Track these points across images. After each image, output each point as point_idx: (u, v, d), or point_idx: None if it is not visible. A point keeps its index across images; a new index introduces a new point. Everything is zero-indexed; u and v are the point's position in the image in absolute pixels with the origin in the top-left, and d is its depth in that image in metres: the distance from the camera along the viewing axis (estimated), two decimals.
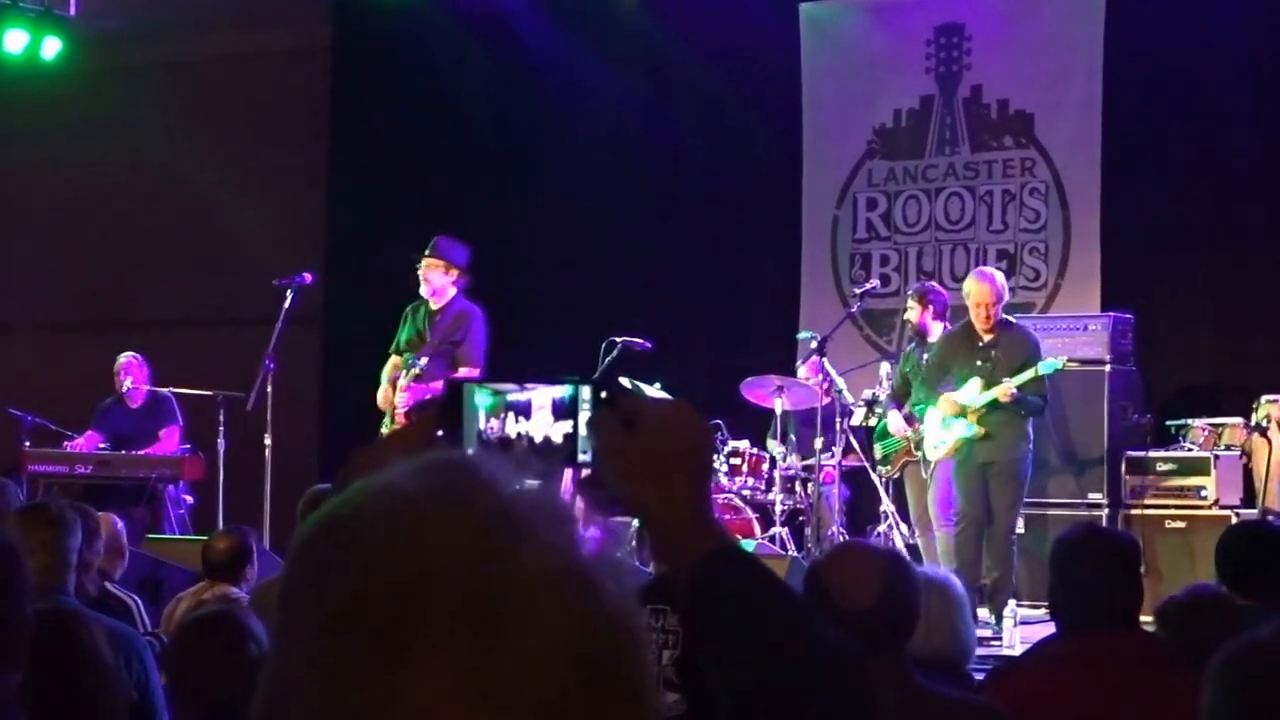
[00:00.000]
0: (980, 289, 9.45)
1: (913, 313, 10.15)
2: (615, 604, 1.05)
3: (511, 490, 1.08)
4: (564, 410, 1.76)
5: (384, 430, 9.83)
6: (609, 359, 10.16)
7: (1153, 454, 9.99)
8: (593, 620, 1.03)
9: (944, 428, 9.39)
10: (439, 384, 9.63)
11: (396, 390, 9.76)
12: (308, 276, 10.52)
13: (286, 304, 10.26)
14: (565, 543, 1.06)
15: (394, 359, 10.02)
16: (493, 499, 1.06)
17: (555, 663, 1.00)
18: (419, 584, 1.01)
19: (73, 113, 14.00)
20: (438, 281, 9.81)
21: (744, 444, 10.50)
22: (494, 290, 11.59)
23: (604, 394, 1.71)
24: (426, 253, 9.85)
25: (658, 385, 9.84)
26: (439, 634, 1.00)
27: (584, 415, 1.73)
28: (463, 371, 9.64)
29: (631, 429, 1.65)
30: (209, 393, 11.33)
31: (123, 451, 11.42)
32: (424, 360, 9.59)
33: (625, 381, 9.55)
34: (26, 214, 14.28)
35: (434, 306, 9.87)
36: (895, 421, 10.06)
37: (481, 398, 1.80)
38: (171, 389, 11.75)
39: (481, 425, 1.79)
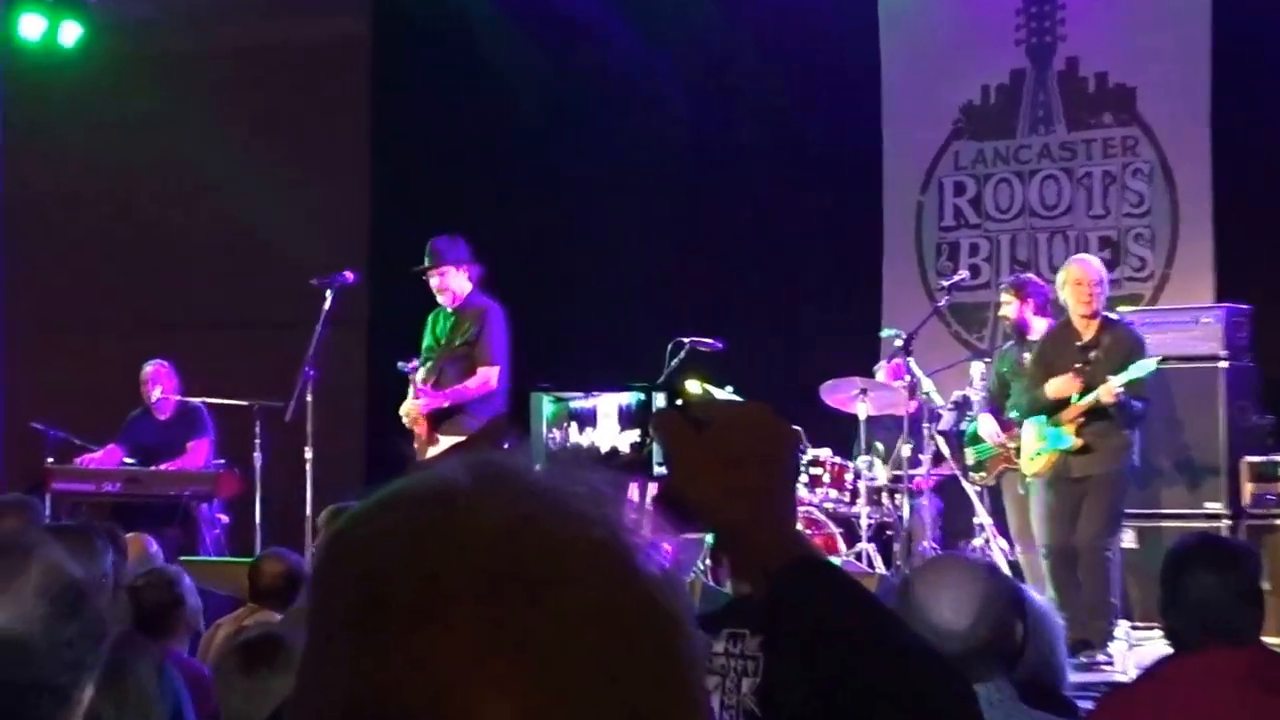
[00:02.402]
0: (1077, 269, 9.34)
1: (1009, 308, 10.04)
2: (654, 583, 1.07)
3: (551, 472, 1.12)
4: (632, 418, 1.76)
5: (416, 445, 9.90)
6: (675, 361, 10.14)
7: (1276, 458, 9.86)
8: (627, 592, 1.06)
9: (1040, 439, 9.30)
10: (457, 388, 9.70)
11: (410, 394, 9.87)
12: (349, 275, 10.50)
13: (326, 305, 10.26)
14: (604, 519, 1.08)
15: (419, 372, 10.08)
16: (529, 477, 1.10)
17: (585, 627, 1.03)
18: (443, 551, 1.04)
19: (95, 106, 14.01)
20: (457, 285, 9.92)
21: (825, 452, 10.43)
22: (549, 291, 11.61)
23: (674, 397, 1.70)
24: (429, 263, 9.93)
25: (729, 389, 9.81)
26: (465, 597, 1.02)
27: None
28: (480, 372, 9.69)
29: (704, 432, 1.65)
30: (244, 403, 11.29)
31: (150, 467, 11.41)
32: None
33: (696, 384, 9.57)
34: (47, 213, 14.27)
35: (451, 309, 9.94)
36: (986, 426, 9.98)
37: (546, 406, 1.80)
38: (204, 399, 11.73)
39: (545, 435, 1.79)
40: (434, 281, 10.01)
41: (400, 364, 9.97)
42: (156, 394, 11.71)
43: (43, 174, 14.21)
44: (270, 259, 13.24)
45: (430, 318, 10.17)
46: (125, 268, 14.16)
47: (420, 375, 9.96)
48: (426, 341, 10.09)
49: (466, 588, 1.03)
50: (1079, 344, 9.25)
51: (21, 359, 13.57)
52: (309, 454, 10.24)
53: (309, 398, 10.17)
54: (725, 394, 9.81)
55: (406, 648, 1.02)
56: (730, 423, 1.66)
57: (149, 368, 11.81)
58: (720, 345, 10.26)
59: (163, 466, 11.45)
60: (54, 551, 2.42)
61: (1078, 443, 9.14)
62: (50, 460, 11.51)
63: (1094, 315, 9.27)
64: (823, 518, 10.18)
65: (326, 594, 1.09)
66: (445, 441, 9.60)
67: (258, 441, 11.16)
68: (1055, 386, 9.20)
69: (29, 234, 14.02)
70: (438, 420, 9.84)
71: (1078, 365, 9.18)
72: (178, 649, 5.85)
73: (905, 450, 10.11)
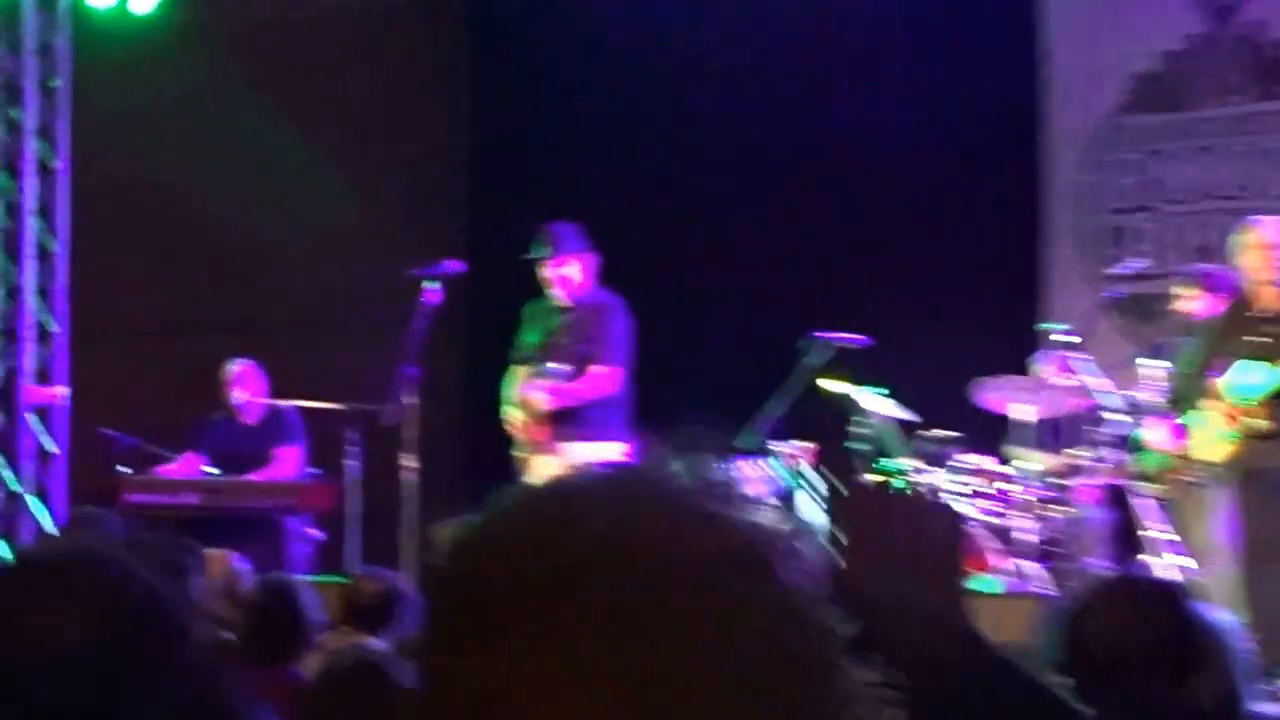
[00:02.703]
0: (1259, 231, 8.86)
1: (1190, 302, 9.72)
2: (782, 593, 1.12)
3: (697, 481, 1.18)
4: (785, 497, 1.91)
5: (516, 454, 9.83)
6: (809, 359, 10.07)
7: None
8: (743, 601, 1.10)
9: (1219, 424, 9.03)
10: (578, 387, 9.58)
11: (530, 389, 9.75)
12: (455, 264, 10.31)
13: (427, 299, 10.08)
14: (739, 528, 1.13)
15: (519, 371, 9.98)
16: (661, 487, 1.17)
17: (646, 638, 1.08)
18: (518, 563, 1.13)
19: (169, 82, 14.04)
20: (575, 277, 9.83)
21: (981, 459, 10.21)
22: (667, 282, 11.48)
23: (839, 488, 1.72)
24: (545, 252, 9.82)
25: (885, 392, 9.79)
26: (532, 612, 1.10)
27: (801, 499, 1.85)
28: (599, 371, 9.58)
29: (872, 528, 1.83)
30: (336, 406, 11.03)
31: (235, 476, 11.28)
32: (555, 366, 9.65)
33: (834, 384, 9.49)
34: (114, 199, 14.21)
35: (565, 304, 9.84)
36: (1153, 433, 9.71)
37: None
38: (292, 402, 11.56)
39: None
40: (548, 273, 9.90)
41: (548, 365, 9.82)
42: (242, 397, 11.63)
43: (103, 163, 14.22)
44: (360, 248, 13.22)
45: (530, 311, 10.05)
46: (201, 262, 14.18)
47: (523, 374, 9.87)
48: (531, 338, 9.95)
49: (533, 602, 1.10)
50: (1251, 314, 8.81)
51: (83, 361, 13.60)
52: (408, 462, 10.02)
53: (408, 400, 10.02)
54: (872, 394, 9.83)
55: (474, 654, 1.10)
56: (897, 523, 1.85)
57: (234, 368, 11.63)
58: (863, 341, 10.20)
59: (249, 477, 11.33)
60: (129, 568, 2.40)
61: (1269, 426, 8.72)
62: (125, 469, 11.43)
63: (1277, 283, 8.85)
64: (976, 532, 10.03)
65: (428, 601, 1.20)
66: (567, 449, 9.54)
67: (351, 449, 10.81)
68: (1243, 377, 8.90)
69: (87, 227, 14.04)
70: (555, 425, 9.75)
71: (1256, 340, 8.81)
72: (294, 669, 5.82)
73: (1070, 456, 9.88)
